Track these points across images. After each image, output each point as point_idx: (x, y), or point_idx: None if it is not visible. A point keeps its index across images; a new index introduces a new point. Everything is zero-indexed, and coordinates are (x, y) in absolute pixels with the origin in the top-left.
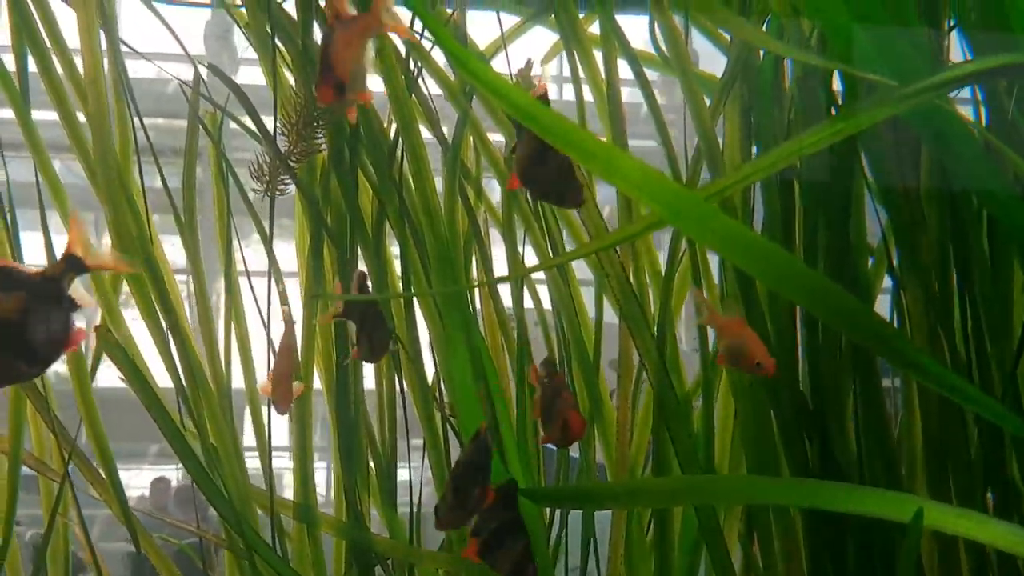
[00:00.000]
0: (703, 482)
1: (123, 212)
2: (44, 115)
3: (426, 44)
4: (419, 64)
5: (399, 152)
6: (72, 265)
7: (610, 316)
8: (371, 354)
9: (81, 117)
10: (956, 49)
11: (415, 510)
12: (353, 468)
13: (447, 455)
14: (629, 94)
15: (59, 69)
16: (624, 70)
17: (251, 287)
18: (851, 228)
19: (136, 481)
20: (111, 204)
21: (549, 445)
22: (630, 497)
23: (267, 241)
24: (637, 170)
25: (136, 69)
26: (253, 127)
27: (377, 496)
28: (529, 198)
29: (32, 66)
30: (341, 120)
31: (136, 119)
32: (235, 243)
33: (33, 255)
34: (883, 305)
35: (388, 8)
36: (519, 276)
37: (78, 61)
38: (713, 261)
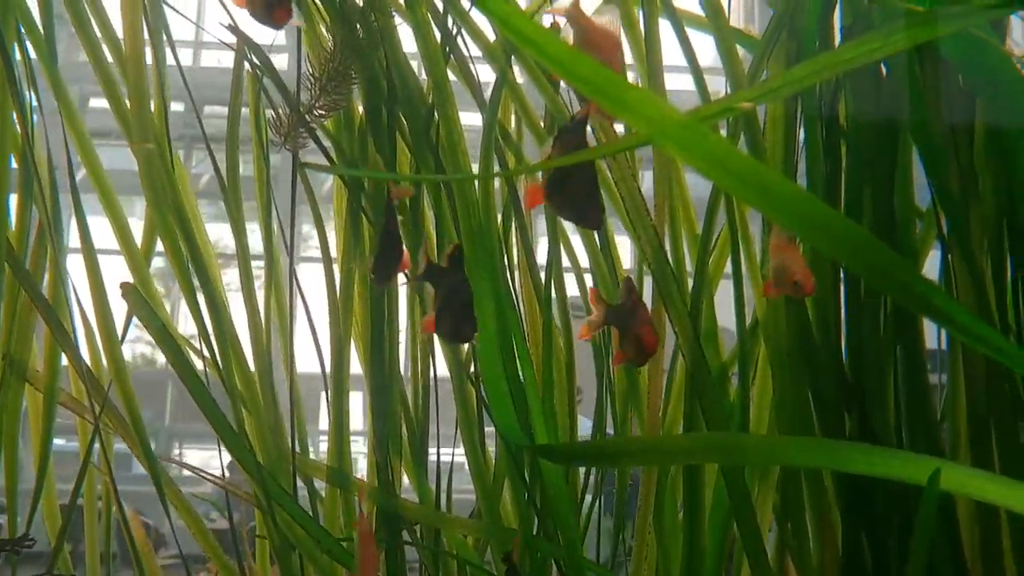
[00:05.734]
0: (721, 439)
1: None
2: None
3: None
4: (457, 24)
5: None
6: None
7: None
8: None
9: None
10: None
11: (448, 480)
12: (385, 437)
13: (480, 429)
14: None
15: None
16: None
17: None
18: (897, 190)
19: (215, 462)
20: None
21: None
22: (645, 454)
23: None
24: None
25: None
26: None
27: (409, 465)
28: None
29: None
30: (377, 76)
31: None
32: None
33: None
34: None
35: None
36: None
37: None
38: (755, 229)
